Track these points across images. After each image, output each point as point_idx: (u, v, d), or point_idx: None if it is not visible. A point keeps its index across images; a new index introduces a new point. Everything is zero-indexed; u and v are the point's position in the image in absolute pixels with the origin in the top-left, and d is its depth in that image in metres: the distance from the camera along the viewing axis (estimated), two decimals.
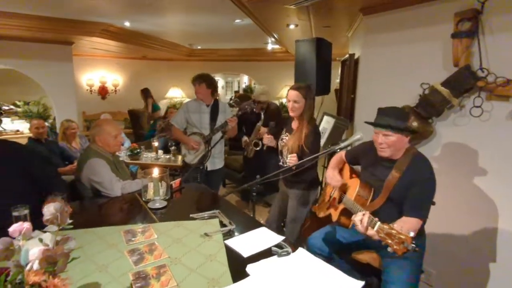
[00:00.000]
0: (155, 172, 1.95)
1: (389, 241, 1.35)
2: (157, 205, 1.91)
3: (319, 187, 2.80)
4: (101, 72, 7.46)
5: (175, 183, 2.22)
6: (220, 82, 15.06)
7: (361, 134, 1.89)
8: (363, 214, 1.52)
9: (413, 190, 1.66)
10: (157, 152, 4.24)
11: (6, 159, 1.87)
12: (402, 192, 1.70)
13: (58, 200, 1.66)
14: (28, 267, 0.89)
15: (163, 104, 8.17)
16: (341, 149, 1.96)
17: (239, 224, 1.71)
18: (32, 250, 0.90)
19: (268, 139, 2.50)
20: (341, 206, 1.96)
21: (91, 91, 7.31)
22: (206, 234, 1.55)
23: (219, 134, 3.07)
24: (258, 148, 3.38)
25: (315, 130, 2.34)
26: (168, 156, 4.17)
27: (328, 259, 1.93)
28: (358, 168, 2.13)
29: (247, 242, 1.51)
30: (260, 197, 4.26)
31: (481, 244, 2.23)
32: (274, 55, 7.61)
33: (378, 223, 1.43)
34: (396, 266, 1.71)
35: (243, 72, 10.24)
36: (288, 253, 1.41)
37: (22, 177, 1.86)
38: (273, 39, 5.55)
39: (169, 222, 1.70)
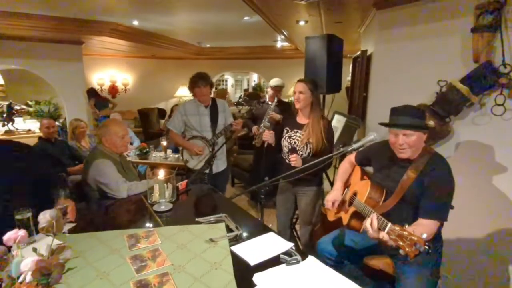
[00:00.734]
0: (161, 174, 1.90)
1: (401, 243, 1.28)
2: (163, 208, 1.86)
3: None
4: (111, 72, 7.50)
5: (181, 184, 2.17)
6: (230, 81, 15.02)
7: (375, 134, 1.80)
8: (372, 216, 1.46)
9: (430, 191, 1.58)
10: (166, 152, 4.21)
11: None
12: (417, 193, 1.62)
13: (62, 199, 1.64)
14: (20, 279, 0.84)
15: (171, 103, 8.16)
16: (354, 150, 1.87)
17: (247, 229, 1.65)
18: (25, 261, 0.85)
19: (269, 135, 2.38)
20: (351, 209, 1.87)
21: (101, 90, 7.35)
22: (211, 240, 1.49)
23: (222, 137, 2.95)
24: (267, 128, 3.25)
25: (329, 123, 2.36)
26: (177, 156, 4.14)
27: (339, 264, 1.86)
28: (369, 168, 2.04)
29: (254, 249, 1.44)
30: (269, 198, 4.18)
31: (500, 248, 2.12)
32: (284, 52, 7.51)
33: (389, 224, 1.36)
34: (411, 273, 1.62)
35: (252, 70, 10.17)
36: (298, 262, 1.34)
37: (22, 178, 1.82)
38: (282, 37, 5.46)
39: (174, 226, 1.65)
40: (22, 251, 1.16)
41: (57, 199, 1.61)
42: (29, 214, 1.47)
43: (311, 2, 2.83)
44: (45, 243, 1.27)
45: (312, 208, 2.42)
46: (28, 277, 0.84)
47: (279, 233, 2.58)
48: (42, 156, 2.08)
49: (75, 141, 4.00)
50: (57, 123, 5.39)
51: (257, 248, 1.45)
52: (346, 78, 5.53)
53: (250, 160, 4.48)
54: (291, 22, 4.02)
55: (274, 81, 3.79)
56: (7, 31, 4.40)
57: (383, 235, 1.40)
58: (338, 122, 3.33)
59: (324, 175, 2.70)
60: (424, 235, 1.24)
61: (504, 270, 2.10)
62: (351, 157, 2.08)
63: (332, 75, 3.17)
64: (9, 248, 1.01)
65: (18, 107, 6.06)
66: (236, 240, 1.53)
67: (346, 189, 2.04)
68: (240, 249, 1.43)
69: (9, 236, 0.94)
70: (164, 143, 4.28)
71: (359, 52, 3.57)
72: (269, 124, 3.26)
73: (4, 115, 5.79)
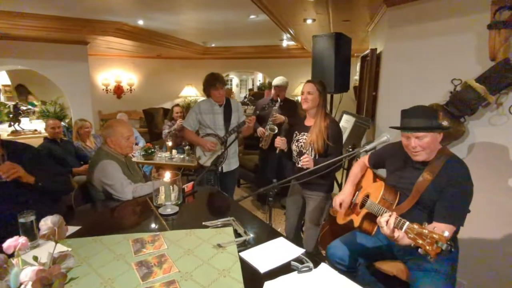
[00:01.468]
0: (167, 176, 1.85)
1: (420, 242, 1.22)
2: (169, 211, 1.82)
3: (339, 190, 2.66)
4: (116, 72, 7.50)
5: (188, 186, 2.13)
6: (235, 80, 14.99)
7: (387, 135, 1.73)
8: (390, 215, 1.39)
9: (447, 195, 1.51)
10: (171, 152, 4.17)
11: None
12: (434, 196, 1.55)
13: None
14: None
15: (177, 103, 8.14)
16: (366, 151, 1.80)
17: (255, 233, 1.59)
18: (25, 271, 0.80)
19: (281, 142, 2.34)
20: (363, 211, 1.80)
21: (107, 90, 7.35)
22: (219, 245, 1.44)
23: (233, 135, 2.98)
24: (274, 132, 3.25)
25: (335, 121, 2.27)
26: (182, 156, 4.10)
27: (350, 269, 1.80)
28: (381, 173, 1.98)
29: (264, 255, 1.38)
30: (276, 199, 4.13)
31: None
32: (290, 52, 7.43)
33: (407, 223, 1.30)
34: (427, 280, 1.56)
35: (258, 69, 10.11)
36: (310, 269, 1.28)
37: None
38: (288, 36, 5.39)
39: (181, 231, 1.60)
40: (25, 257, 1.12)
41: None
42: (32, 218, 1.44)
43: None
44: (49, 247, 1.23)
45: (319, 213, 2.36)
46: None
47: (287, 234, 2.55)
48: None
49: (80, 141, 3.99)
50: (62, 123, 5.40)
51: (266, 254, 1.39)
52: (354, 77, 5.45)
53: (255, 160, 4.43)
54: (298, 21, 3.95)
55: (277, 80, 3.72)
56: (13, 31, 4.39)
57: (398, 234, 1.36)
58: (346, 122, 3.26)
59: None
60: (446, 233, 1.17)
61: None
62: (364, 160, 2.01)
63: (340, 74, 3.11)
64: (11, 255, 0.97)
65: (24, 108, 6.07)
66: (245, 245, 1.48)
67: (357, 192, 1.98)
68: (249, 255, 1.38)
69: (9, 244, 0.89)
70: (170, 143, 4.25)
71: (367, 51, 3.50)
72: (274, 126, 3.24)
73: (11, 115, 5.81)
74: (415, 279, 1.60)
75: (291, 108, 3.68)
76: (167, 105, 8.28)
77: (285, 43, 6.74)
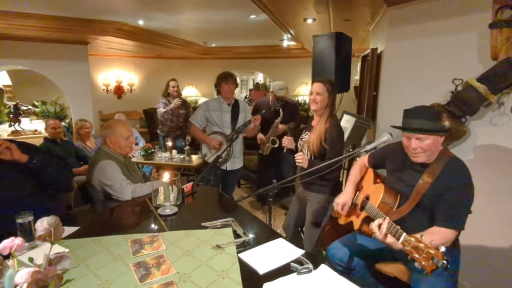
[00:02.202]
0: (166, 176, 1.84)
1: (416, 256, 1.20)
2: (168, 211, 1.80)
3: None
4: (117, 72, 7.49)
5: (187, 187, 2.11)
6: (237, 82, 14.97)
7: (388, 135, 1.72)
8: (383, 219, 1.39)
9: (447, 197, 1.49)
10: (171, 152, 4.16)
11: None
12: (434, 199, 1.53)
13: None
14: None
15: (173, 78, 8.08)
16: (367, 151, 1.79)
17: (254, 234, 1.58)
18: (20, 273, 0.79)
19: (288, 141, 2.32)
20: (363, 214, 1.79)
21: (107, 90, 7.35)
22: (218, 246, 1.42)
23: (239, 134, 3.02)
24: (275, 146, 3.26)
25: (336, 124, 2.19)
26: (182, 156, 4.09)
27: (350, 270, 1.78)
28: (382, 172, 1.96)
29: (263, 256, 1.37)
30: (276, 200, 4.12)
31: None
32: (290, 52, 7.42)
33: (404, 234, 1.28)
34: (427, 282, 1.54)
35: (258, 69, 10.09)
36: (310, 270, 1.27)
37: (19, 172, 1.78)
38: (289, 35, 5.37)
39: (179, 231, 1.59)
40: (23, 258, 1.11)
41: None
42: (30, 218, 1.43)
43: None
44: (47, 248, 1.22)
45: (319, 214, 2.33)
46: None
47: (284, 229, 2.53)
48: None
49: (80, 141, 3.98)
50: (63, 123, 5.40)
51: (266, 256, 1.38)
52: (354, 77, 5.43)
53: (256, 161, 4.42)
54: (298, 20, 3.94)
55: (278, 92, 3.66)
56: (13, 31, 4.39)
57: (389, 239, 1.35)
58: (347, 123, 3.24)
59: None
60: (443, 249, 1.15)
61: None
62: (364, 159, 1.99)
63: (340, 74, 3.09)
64: (7, 256, 0.96)
65: (24, 108, 6.07)
66: (244, 246, 1.46)
67: (357, 193, 1.96)
68: (248, 257, 1.37)
69: (4, 245, 0.88)
70: (170, 143, 4.24)
71: (368, 51, 3.49)
72: (276, 138, 3.26)
73: (11, 115, 5.81)
74: (416, 280, 1.58)
75: (291, 111, 3.67)
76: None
77: (285, 43, 6.73)
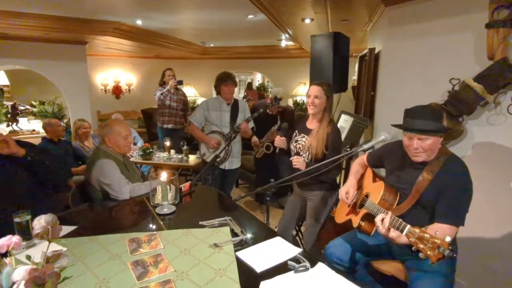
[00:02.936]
0: (163, 175, 1.84)
1: (421, 246, 1.21)
2: (165, 211, 1.81)
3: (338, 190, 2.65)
4: (115, 72, 7.48)
5: (185, 186, 2.12)
6: (237, 82, 14.95)
7: (386, 134, 1.73)
8: (386, 214, 1.41)
9: (447, 194, 1.51)
10: (169, 152, 4.16)
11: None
12: (434, 196, 1.55)
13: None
14: None
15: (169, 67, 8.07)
16: (364, 151, 1.79)
17: (252, 233, 1.58)
18: (17, 270, 0.79)
19: (280, 142, 2.33)
20: (362, 211, 1.79)
21: (105, 90, 7.34)
22: (215, 245, 1.43)
23: (237, 134, 3.04)
24: (269, 152, 3.29)
25: (337, 129, 2.24)
26: (180, 156, 4.09)
27: (348, 269, 1.79)
28: (380, 172, 1.97)
29: (260, 255, 1.38)
30: (273, 199, 4.12)
31: None
32: (288, 52, 7.43)
33: (408, 226, 1.30)
34: (425, 280, 1.54)
35: (256, 70, 10.09)
36: (307, 269, 1.27)
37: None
38: (287, 36, 5.38)
39: (177, 230, 1.59)
40: (20, 256, 1.11)
41: None
42: (28, 217, 1.43)
43: None
44: (44, 247, 1.22)
45: (319, 211, 2.34)
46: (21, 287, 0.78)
47: (279, 230, 2.53)
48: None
49: (78, 141, 3.98)
50: (61, 123, 5.39)
51: (263, 254, 1.38)
52: (352, 77, 5.44)
53: (253, 161, 4.42)
54: (296, 20, 3.95)
55: (274, 92, 3.80)
56: (11, 31, 4.38)
57: (394, 233, 1.36)
58: (345, 122, 3.25)
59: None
60: (448, 238, 1.17)
61: None
62: (363, 158, 2.00)
63: (338, 74, 3.10)
64: (4, 255, 0.96)
65: (22, 108, 6.05)
66: (241, 245, 1.46)
67: (356, 191, 1.97)
68: (246, 255, 1.37)
69: (2, 243, 0.88)
70: (168, 143, 4.24)
71: (366, 51, 3.50)
72: (271, 144, 3.28)
73: (9, 115, 5.80)
74: (413, 279, 1.58)
75: (288, 118, 3.71)
76: None
77: (283, 43, 6.74)
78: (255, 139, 3.50)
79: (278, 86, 3.90)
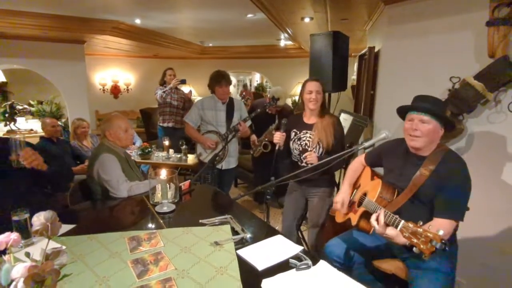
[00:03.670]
0: (163, 173, 1.83)
1: (415, 241, 1.22)
2: (165, 209, 1.79)
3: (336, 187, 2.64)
4: (113, 71, 7.46)
5: (184, 185, 2.11)
6: (232, 81, 14.96)
7: (386, 132, 1.72)
8: (380, 210, 1.42)
9: (445, 189, 1.51)
10: (168, 152, 4.15)
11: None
12: (431, 191, 1.55)
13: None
14: (11, 287, 0.77)
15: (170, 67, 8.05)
16: (365, 148, 1.79)
17: (253, 231, 1.57)
18: (16, 267, 0.78)
19: (280, 137, 2.26)
20: (361, 210, 1.79)
21: (103, 90, 7.31)
22: (216, 243, 1.42)
23: (233, 134, 3.00)
24: (266, 150, 3.27)
25: (339, 120, 2.30)
26: (179, 155, 4.08)
27: (348, 267, 1.78)
28: (379, 170, 1.96)
29: (261, 253, 1.37)
30: (274, 198, 4.11)
31: None
32: (287, 51, 7.43)
33: (403, 221, 1.30)
34: (426, 279, 1.54)
35: (255, 69, 10.09)
36: (308, 266, 1.26)
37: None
38: (286, 35, 5.38)
39: (177, 228, 1.58)
40: (19, 254, 1.09)
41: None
42: (26, 215, 1.41)
43: None
44: (43, 245, 1.21)
45: (323, 209, 2.34)
46: (20, 285, 0.77)
47: (284, 234, 2.51)
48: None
49: (77, 140, 3.96)
50: (59, 122, 5.36)
51: (264, 252, 1.37)
52: (351, 77, 5.45)
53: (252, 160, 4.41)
54: (295, 19, 3.95)
55: (273, 91, 3.80)
56: (9, 30, 4.35)
57: (391, 231, 1.37)
58: (344, 121, 3.25)
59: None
60: (441, 232, 1.18)
61: None
62: (361, 158, 2.00)
63: (338, 73, 3.09)
64: (3, 252, 0.95)
65: (20, 107, 6.02)
66: (242, 243, 1.46)
67: (355, 191, 1.97)
68: (247, 253, 1.36)
69: (0, 240, 0.87)
70: (166, 142, 4.22)
71: (365, 50, 3.50)
72: (268, 143, 3.27)
73: (7, 114, 5.76)
74: (414, 277, 1.58)
75: (287, 117, 3.70)
76: None
77: (282, 43, 6.74)
78: (254, 137, 3.49)
79: (277, 85, 3.88)
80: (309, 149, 2.25)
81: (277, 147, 2.32)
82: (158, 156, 4.11)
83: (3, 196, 1.65)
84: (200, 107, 3.07)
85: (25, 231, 1.38)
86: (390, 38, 2.73)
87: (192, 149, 4.35)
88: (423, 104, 1.58)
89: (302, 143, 2.29)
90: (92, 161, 2.16)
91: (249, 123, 3.17)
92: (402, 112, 1.67)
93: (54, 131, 3.72)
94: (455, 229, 1.60)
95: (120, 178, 2.06)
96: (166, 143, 4.20)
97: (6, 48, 4.85)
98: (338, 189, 2.72)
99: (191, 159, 3.98)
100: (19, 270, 0.78)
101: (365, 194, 1.81)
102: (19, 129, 5.83)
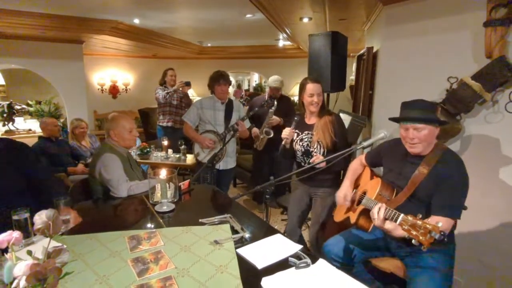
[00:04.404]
0: (163, 173, 1.84)
1: (414, 233, 1.25)
2: (165, 208, 1.80)
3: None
4: (112, 71, 7.45)
5: (184, 184, 2.11)
6: (231, 81, 14.97)
7: (384, 132, 1.74)
8: (381, 205, 1.45)
9: (443, 187, 1.53)
10: (167, 152, 4.15)
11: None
12: (430, 189, 1.56)
13: (62, 207, 1.58)
14: (14, 284, 0.78)
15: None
16: (364, 148, 1.80)
17: (252, 230, 1.58)
18: (18, 265, 0.79)
19: (289, 133, 2.26)
20: (360, 208, 1.80)
21: (102, 90, 7.30)
22: (216, 242, 1.42)
23: (231, 134, 3.00)
24: (270, 136, 3.26)
25: (338, 116, 2.31)
26: (178, 155, 4.08)
27: (346, 266, 1.79)
28: (378, 170, 1.98)
29: (261, 251, 1.37)
30: (272, 198, 4.11)
31: None
32: (285, 52, 7.44)
33: (402, 215, 1.34)
34: (423, 277, 1.55)
35: (254, 69, 10.11)
36: (308, 265, 1.27)
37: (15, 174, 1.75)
38: (284, 35, 5.39)
39: (177, 228, 1.58)
40: (19, 254, 1.10)
41: (58, 208, 1.56)
42: (26, 215, 1.42)
43: None
44: (43, 244, 1.21)
45: (325, 209, 2.35)
46: (22, 283, 0.78)
47: (288, 234, 2.52)
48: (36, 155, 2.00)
49: (75, 140, 3.96)
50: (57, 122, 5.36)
51: (264, 251, 1.38)
52: (350, 77, 5.47)
53: (251, 160, 4.41)
54: (294, 19, 3.96)
55: (272, 82, 3.79)
56: (7, 30, 4.35)
57: (389, 225, 1.41)
58: (343, 121, 3.26)
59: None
60: (440, 223, 1.21)
61: None
62: (362, 158, 2.01)
63: (336, 73, 3.11)
64: (4, 251, 0.95)
65: (18, 107, 6.01)
66: (242, 242, 1.46)
67: (354, 190, 1.98)
68: (247, 252, 1.37)
69: (2, 238, 0.88)
70: (165, 142, 4.22)
71: (364, 50, 3.51)
72: (270, 130, 3.26)
73: (5, 114, 5.75)
74: (412, 276, 1.60)
75: (287, 105, 3.71)
76: None
77: (281, 43, 6.75)
78: (255, 130, 3.50)
79: (278, 76, 3.84)
80: (311, 149, 2.26)
81: (283, 142, 2.32)
82: (157, 156, 4.11)
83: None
84: (199, 106, 3.08)
85: (25, 231, 1.39)
86: (388, 38, 2.74)
87: (191, 149, 4.35)
88: (412, 112, 1.59)
89: (304, 144, 2.30)
90: (94, 161, 2.17)
91: (248, 124, 3.17)
92: (395, 121, 1.69)
93: (57, 130, 3.74)
94: (453, 228, 1.61)
95: (121, 178, 2.07)
96: (165, 143, 4.20)
97: (4, 47, 4.85)
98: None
99: (190, 159, 3.99)
100: (21, 268, 0.79)
101: (364, 193, 1.83)
102: (17, 129, 5.82)
